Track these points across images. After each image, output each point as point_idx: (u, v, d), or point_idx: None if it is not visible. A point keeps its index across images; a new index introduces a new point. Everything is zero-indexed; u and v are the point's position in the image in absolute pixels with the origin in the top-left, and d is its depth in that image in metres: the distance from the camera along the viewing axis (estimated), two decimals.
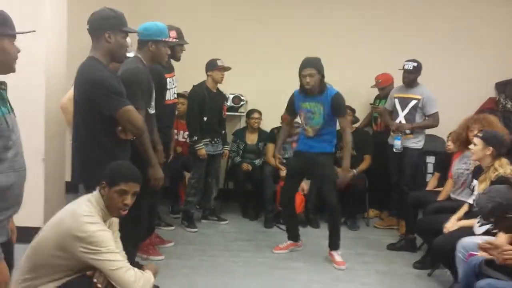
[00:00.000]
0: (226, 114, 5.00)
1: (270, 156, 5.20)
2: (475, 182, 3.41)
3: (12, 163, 1.94)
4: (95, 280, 2.15)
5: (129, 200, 2.29)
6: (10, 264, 2.07)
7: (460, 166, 3.97)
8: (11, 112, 2.00)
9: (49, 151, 3.99)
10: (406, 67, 4.61)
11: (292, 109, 4.15)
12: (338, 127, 4.11)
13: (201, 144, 4.54)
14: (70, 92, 3.49)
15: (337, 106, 3.92)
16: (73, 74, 2.84)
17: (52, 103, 3.90)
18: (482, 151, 3.30)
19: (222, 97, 4.90)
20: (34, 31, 2.05)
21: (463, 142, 3.85)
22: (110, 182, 2.26)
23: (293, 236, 4.31)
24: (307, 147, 4.06)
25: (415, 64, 4.60)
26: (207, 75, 4.64)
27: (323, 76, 3.90)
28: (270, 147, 5.24)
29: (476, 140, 3.36)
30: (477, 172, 3.46)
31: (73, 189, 4.41)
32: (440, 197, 4.09)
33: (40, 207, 3.92)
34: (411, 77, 4.61)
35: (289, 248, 4.28)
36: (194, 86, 4.68)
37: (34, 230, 2.39)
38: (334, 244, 4.04)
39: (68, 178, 4.27)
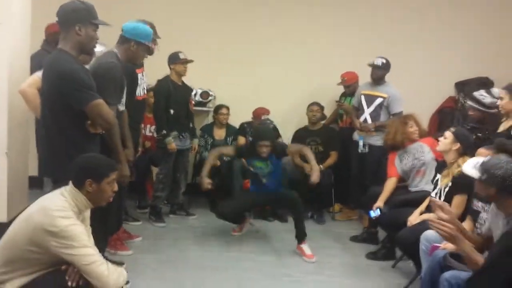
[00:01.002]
0: (193, 108, 4.99)
1: None
2: (438, 176, 3.54)
3: None
4: (67, 277, 2.14)
5: (116, 186, 2.37)
6: None
7: (406, 162, 4.09)
8: None
9: (12, 145, 3.88)
10: (375, 62, 4.69)
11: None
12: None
13: (170, 138, 4.52)
14: (30, 79, 3.43)
15: (280, 150, 4.33)
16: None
17: (15, 97, 3.79)
18: (449, 145, 3.42)
19: (188, 89, 4.87)
20: None
21: (399, 143, 4.08)
22: (99, 177, 2.27)
23: (238, 222, 4.59)
24: (262, 189, 4.41)
25: (384, 60, 4.69)
26: (170, 69, 4.61)
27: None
28: (241, 139, 5.27)
29: (447, 133, 3.48)
30: (440, 166, 3.59)
31: (36, 184, 4.35)
32: (383, 197, 4.02)
33: (3, 202, 3.82)
34: (379, 73, 4.71)
35: (243, 229, 4.59)
36: (159, 80, 4.64)
37: None
38: (301, 233, 4.13)
39: (31, 172, 4.19)
